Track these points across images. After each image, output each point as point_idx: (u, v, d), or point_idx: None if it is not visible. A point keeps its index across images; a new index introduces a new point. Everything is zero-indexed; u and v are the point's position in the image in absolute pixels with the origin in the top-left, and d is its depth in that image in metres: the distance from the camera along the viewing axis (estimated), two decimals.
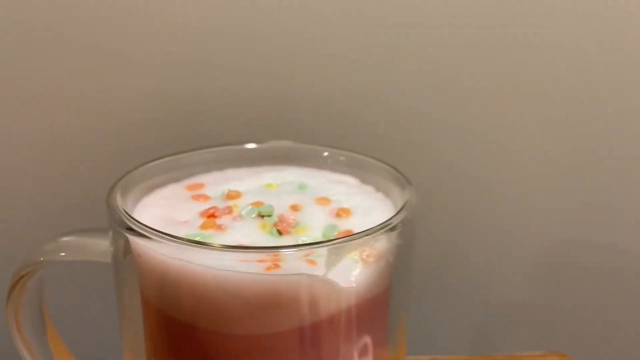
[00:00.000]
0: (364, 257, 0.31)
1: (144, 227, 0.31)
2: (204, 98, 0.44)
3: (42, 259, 0.35)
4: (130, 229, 0.31)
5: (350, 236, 0.30)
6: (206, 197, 0.36)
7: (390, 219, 0.31)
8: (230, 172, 0.39)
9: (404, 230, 0.32)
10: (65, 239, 0.35)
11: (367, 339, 0.32)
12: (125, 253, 0.33)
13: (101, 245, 0.34)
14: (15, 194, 0.46)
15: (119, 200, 0.33)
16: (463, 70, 0.45)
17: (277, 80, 0.44)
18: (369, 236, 0.30)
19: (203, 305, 0.30)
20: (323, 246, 0.29)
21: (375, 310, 0.32)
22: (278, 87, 0.44)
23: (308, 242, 0.31)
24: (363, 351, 0.32)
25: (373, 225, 0.32)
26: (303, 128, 0.45)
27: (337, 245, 0.30)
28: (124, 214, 0.32)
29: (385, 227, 0.31)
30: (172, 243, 0.30)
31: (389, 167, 0.37)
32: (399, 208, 0.34)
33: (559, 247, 0.52)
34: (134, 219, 0.32)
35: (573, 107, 0.47)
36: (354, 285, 0.30)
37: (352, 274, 0.30)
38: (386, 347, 0.34)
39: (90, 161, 0.45)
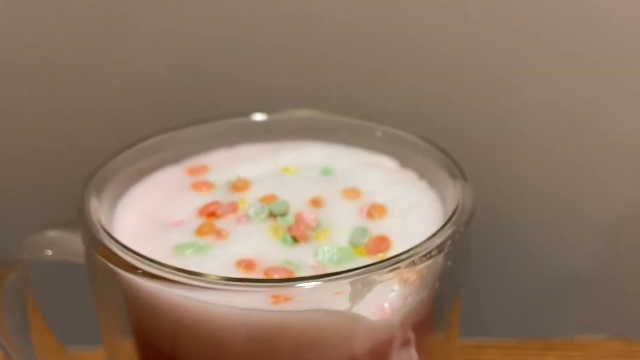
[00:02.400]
0: (404, 277, 0.24)
1: (115, 243, 0.24)
2: (206, 59, 0.37)
3: (24, 256, 0.29)
4: (98, 249, 0.25)
5: (380, 262, 0.23)
6: (209, 186, 0.29)
7: (436, 233, 0.24)
8: (242, 150, 0.32)
9: (456, 248, 0.24)
10: (53, 233, 0.29)
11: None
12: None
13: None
14: None
15: (92, 203, 0.26)
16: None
17: (300, 34, 0.36)
18: (408, 261, 0.23)
19: (192, 344, 0.23)
20: (345, 278, 0.22)
21: (418, 337, 0.26)
22: (300, 44, 0.36)
23: (327, 255, 0.24)
24: None
25: (414, 231, 0.25)
26: (331, 95, 0.37)
27: (362, 275, 0.22)
28: (97, 228, 0.25)
29: (429, 247, 0.24)
30: (146, 267, 0.23)
31: (437, 150, 0.29)
32: (447, 205, 0.27)
33: (627, 216, 0.46)
34: (106, 232, 0.25)
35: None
36: (389, 314, 0.24)
37: (386, 298, 0.24)
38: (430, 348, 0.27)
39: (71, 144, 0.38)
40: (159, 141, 0.31)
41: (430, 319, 0.26)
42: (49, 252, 0.29)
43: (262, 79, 0.37)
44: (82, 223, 0.25)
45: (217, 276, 0.22)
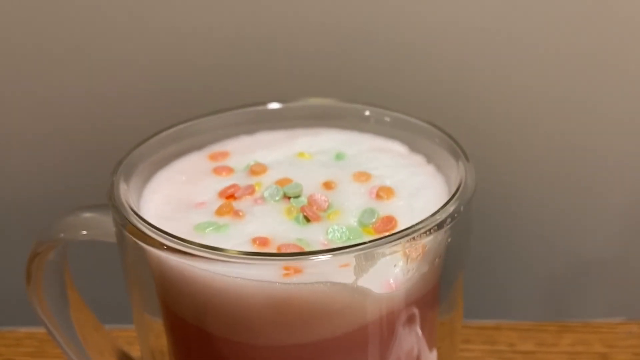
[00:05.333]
0: (406, 252, 0.25)
1: (141, 221, 0.27)
2: (229, 55, 0.39)
3: (62, 235, 0.31)
4: (127, 227, 0.27)
5: (384, 238, 0.25)
6: (229, 170, 0.31)
7: (437, 212, 0.26)
8: (260, 137, 0.34)
9: (456, 225, 0.26)
10: (87, 214, 0.31)
11: (414, 347, 0.27)
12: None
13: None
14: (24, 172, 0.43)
15: (121, 186, 0.28)
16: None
17: (319, 31, 0.38)
18: (409, 237, 0.25)
19: (212, 312, 0.26)
20: (350, 252, 0.24)
21: (423, 311, 0.27)
22: (319, 39, 0.38)
23: (336, 234, 0.26)
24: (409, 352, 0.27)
25: (420, 212, 0.27)
26: (345, 85, 0.39)
27: (367, 250, 0.24)
28: (125, 209, 0.28)
29: (429, 225, 0.25)
30: (169, 243, 0.25)
31: (443, 133, 0.31)
32: (452, 187, 0.28)
33: None
34: (135, 213, 0.27)
35: None
36: (394, 288, 0.25)
37: (391, 273, 0.25)
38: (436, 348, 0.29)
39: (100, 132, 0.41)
40: (182, 129, 0.33)
41: (434, 298, 0.28)
42: (84, 232, 0.31)
43: (278, 74, 0.39)
44: (112, 204, 0.28)
45: (234, 250, 0.24)
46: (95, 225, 0.31)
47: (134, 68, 0.41)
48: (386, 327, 0.26)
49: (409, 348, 0.28)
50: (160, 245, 0.25)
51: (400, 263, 0.25)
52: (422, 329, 0.28)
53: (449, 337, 0.31)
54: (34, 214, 0.44)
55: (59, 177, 0.44)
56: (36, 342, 0.44)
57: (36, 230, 0.33)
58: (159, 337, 0.30)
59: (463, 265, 0.29)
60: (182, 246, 0.25)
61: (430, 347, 0.29)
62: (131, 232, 0.26)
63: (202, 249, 0.24)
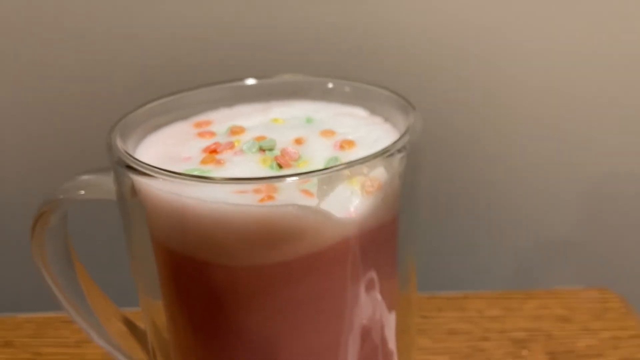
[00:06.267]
0: (364, 186, 0.30)
1: (137, 162, 0.31)
2: (210, 35, 0.44)
3: (61, 196, 0.35)
4: (127, 166, 0.31)
5: (341, 165, 0.29)
6: (212, 134, 0.36)
7: (389, 145, 0.30)
8: (239, 109, 0.38)
9: (405, 157, 0.30)
10: (85, 177, 0.35)
11: (373, 272, 0.31)
12: (132, 192, 0.32)
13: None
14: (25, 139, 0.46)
15: (118, 139, 0.33)
16: None
17: (292, 13, 0.43)
18: (362, 164, 0.29)
19: (200, 239, 0.30)
20: (312, 175, 0.29)
21: (381, 241, 0.32)
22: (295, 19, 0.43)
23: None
24: (369, 284, 0.32)
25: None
26: (316, 61, 0.43)
27: (326, 174, 0.29)
28: (122, 153, 0.32)
29: (381, 154, 0.30)
30: (162, 177, 0.29)
31: (392, 94, 0.35)
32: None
33: (603, 178, 0.50)
34: (130, 156, 0.31)
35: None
36: (354, 215, 0.30)
37: (351, 204, 0.30)
38: (396, 280, 0.33)
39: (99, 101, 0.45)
40: (166, 102, 0.37)
41: (395, 225, 0.32)
42: (82, 192, 0.34)
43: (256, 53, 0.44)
44: (111, 149, 0.32)
45: (218, 177, 0.29)
46: (93, 185, 0.35)
47: (119, 53, 0.45)
48: (347, 252, 0.30)
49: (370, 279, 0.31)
50: (154, 176, 0.29)
51: (358, 192, 0.30)
52: (381, 275, 0.32)
53: (406, 306, 0.34)
54: (31, 207, 0.47)
55: (57, 167, 0.48)
56: (35, 325, 0.47)
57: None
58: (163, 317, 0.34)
59: (415, 234, 0.33)
60: (173, 176, 0.29)
61: (390, 308, 0.33)
62: (129, 168, 0.30)
63: (191, 177, 0.29)
